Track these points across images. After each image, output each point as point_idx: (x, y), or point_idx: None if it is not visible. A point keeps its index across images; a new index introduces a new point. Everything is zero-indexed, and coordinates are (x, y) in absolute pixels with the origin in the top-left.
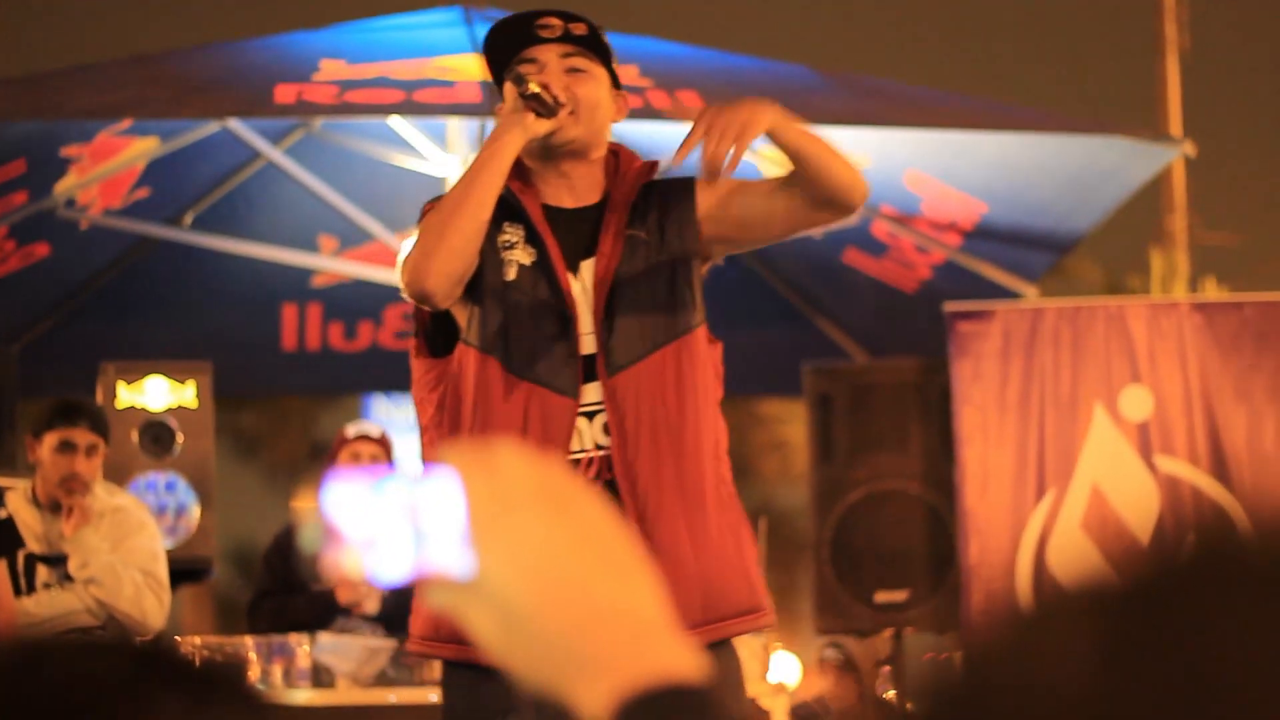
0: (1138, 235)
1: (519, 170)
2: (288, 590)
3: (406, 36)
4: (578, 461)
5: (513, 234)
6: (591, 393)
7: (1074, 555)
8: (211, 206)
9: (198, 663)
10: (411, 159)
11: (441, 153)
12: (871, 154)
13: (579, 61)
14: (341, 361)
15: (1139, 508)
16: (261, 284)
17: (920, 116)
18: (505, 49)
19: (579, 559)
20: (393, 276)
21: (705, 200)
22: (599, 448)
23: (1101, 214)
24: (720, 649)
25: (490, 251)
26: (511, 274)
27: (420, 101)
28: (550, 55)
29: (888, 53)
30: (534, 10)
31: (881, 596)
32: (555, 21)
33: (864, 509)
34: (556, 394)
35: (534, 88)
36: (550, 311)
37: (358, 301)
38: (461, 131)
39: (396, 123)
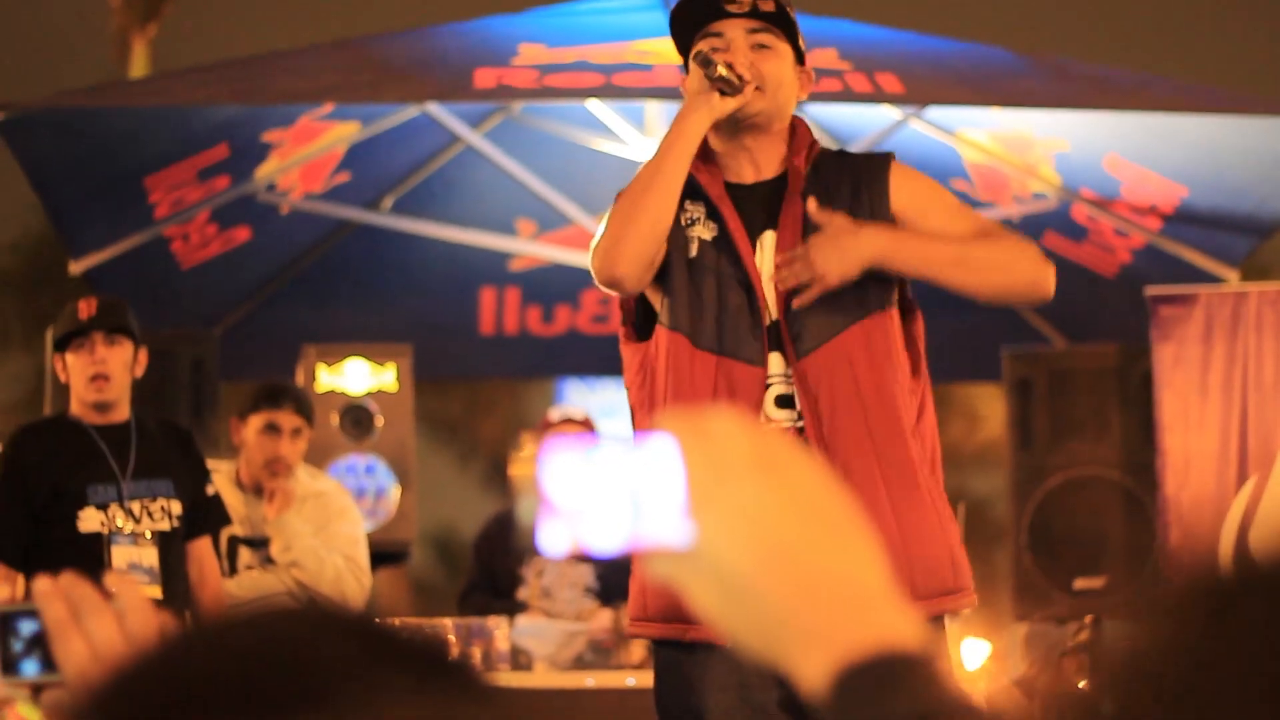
0: None
1: (700, 148)
2: (494, 581)
3: (605, 21)
4: None
5: (694, 211)
6: (775, 364)
7: (1277, 541)
8: (411, 191)
9: (421, 643)
10: (610, 143)
11: (640, 136)
12: (1071, 138)
13: (765, 38)
14: (539, 345)
15: None
16: (460, 268)
17: (1120, 99)
18: (692, 23)
19: (798, 526)
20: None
21: (900, 195)
22: (768, 419)
23: None
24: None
25: (676, 231)
26: (694, 250)
27: (619, 85)
28: (737, 31)
29: (1085, 34)
30: None
31: (1080, 583)
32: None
33: (1063, 495)
34: (744, 364)
35: (722, 70)
36: (734, 284)
37: (555, 285)
38: (660, 115)
39: (595, 106)
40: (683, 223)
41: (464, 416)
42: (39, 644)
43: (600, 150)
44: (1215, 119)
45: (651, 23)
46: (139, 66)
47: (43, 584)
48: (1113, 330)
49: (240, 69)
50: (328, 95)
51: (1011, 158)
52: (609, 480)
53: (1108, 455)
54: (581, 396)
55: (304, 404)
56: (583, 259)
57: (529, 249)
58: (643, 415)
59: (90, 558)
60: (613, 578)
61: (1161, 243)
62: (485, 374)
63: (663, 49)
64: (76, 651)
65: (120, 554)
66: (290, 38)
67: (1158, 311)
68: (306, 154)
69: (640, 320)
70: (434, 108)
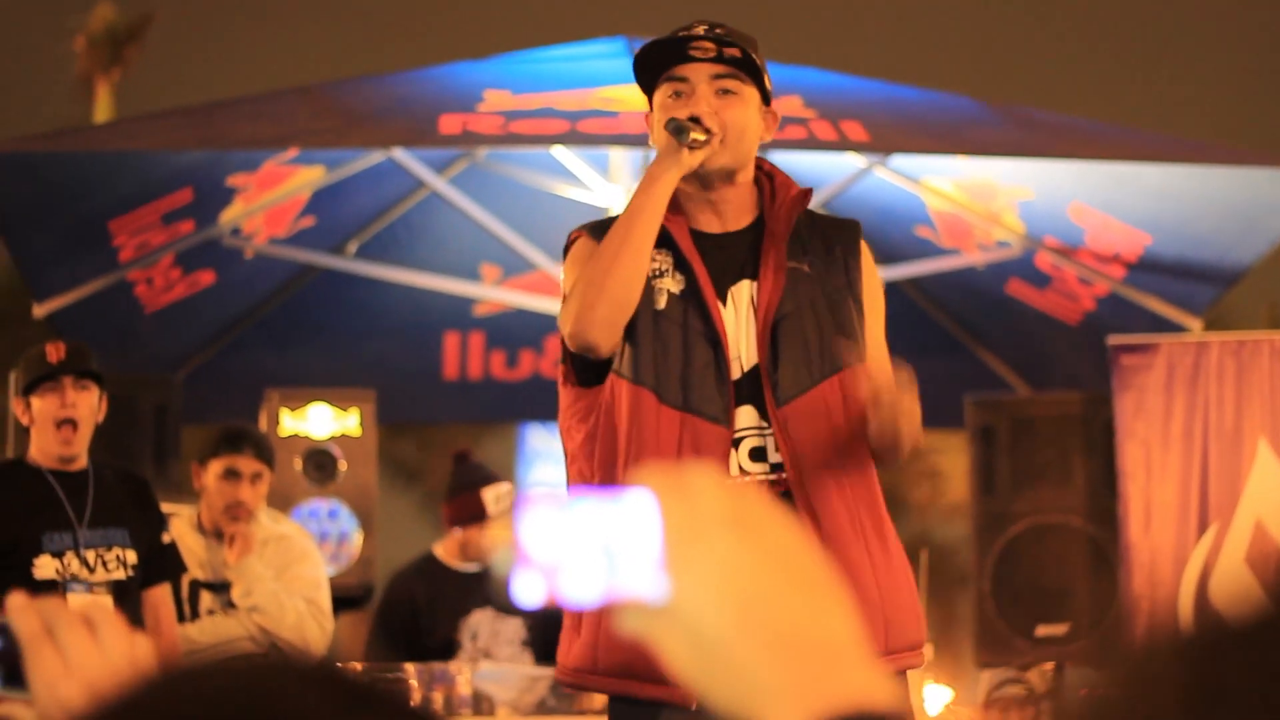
0: None
1: None
2: (420, 645)
3: (570, 67)
4: None
5: (662, 261)
6: (742, 418)
7: (1237, 589)
8: (375, 235)
9: (390, 693)
10: (575, 189)
11: (605, 182)
12: (1035, 186)
13: (730, 84)
14: (503, 390)
15: None
16: (424, 313)
17: (1084, 148)
18: (657, 64)
19: (772, 583)
20: (554, 306)
21: (867, 280)
22: (743, 472)
23: (1267, 246)
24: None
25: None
26: (661, 303)
27: (584, 132)
28: (701, 75)
29: (1051, 84)
30: (690, 32)
31: (1042, 630)
32: (709, 45)
33: (1026, 542)
34: (709, 422)
35: (696, 136)
36: (701, 339)
37: (519, 330)
38: (625, 162)
39: (560, 153)
40: (651, 273)
41: (426, 461)
42: (3, 659)
43: (565, 196)
44: (1179, 168)
45: (617, 69)
46: (103, 111)
47: (17, 599)
48: (1076, 378)
49: (205, 114)
50: (293, 140)
51: (975, 205)
52: (585, 532)
53: (1070, 502)
54: (543, 441)
55: (264, 448)
56: (547, 304)
57: (493, 294)
58: (591, 466)
59: None
60: (542, 628)
61: (1125, 291)
62: (449, 419)
63: (628, 95)
64: (49, 666)
65: (75, 602)
66: (255, 83)
67: (1119, 360)
68: (271, 199)
69: (580, 361)
70: (399, 153)
